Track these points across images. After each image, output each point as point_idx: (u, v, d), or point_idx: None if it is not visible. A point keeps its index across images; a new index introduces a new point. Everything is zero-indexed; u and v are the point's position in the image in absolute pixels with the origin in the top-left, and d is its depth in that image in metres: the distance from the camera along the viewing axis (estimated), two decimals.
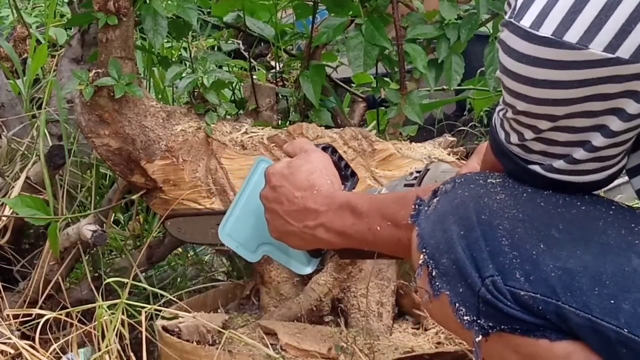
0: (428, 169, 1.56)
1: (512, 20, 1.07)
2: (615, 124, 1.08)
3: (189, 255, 2.47)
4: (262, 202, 1.53)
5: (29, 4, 3.56)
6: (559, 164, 1.14)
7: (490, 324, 1.16)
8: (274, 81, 2.30)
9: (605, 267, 1.11)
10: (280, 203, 1.49)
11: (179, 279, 2.38)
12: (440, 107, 3.32)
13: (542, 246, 1.14)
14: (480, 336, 1.16)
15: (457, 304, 1.18)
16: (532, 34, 1.05)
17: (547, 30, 1.03)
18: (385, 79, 2.22)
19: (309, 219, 1.46)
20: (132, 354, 1.84)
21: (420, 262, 1.22)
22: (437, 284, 1.19)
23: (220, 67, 2.13)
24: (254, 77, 2.11)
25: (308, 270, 1.64)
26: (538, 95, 1.08)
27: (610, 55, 1.01)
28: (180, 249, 2.42)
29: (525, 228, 1.16)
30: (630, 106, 1.06)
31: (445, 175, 1.50)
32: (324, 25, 2.05)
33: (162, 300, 2.02)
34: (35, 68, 2.61)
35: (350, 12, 2.03)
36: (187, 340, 1.85)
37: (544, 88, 1.07)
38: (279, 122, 2.14)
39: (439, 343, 1.85)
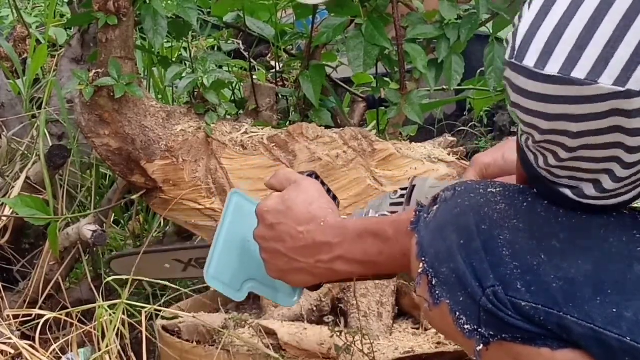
0: (414, 185, 1.52)
1: (513, 61, 1.04)
2: (627, 156, 1.06)
3: None
4: (258, 242, 1.44)
5: (29, 4, 3.56)
6: (590, 191, 1.12)
7: (492, 332, 1.15)
8: (274, 81, 2.29)
9: (607, 275, 1.11)
10: (281, 241, 1.41)
11: (179, 279, 2.38)
12: (440, 107, 3.32)
13: (543, 256, 1.13)
14: (482, 345, 1.16)
15: (457, 313, 1.17)
16: (537, 73, 1.02)
17: (553, 68, 1.00)
18: (385, 79, 2.22)
19: (322, 254, 1.38)
20: (132, 354, 1.84)
21: (419, 270, 1.21)
22: (437, 292, 1.19)
23: (220, 67, 2.13)
24: (254, 77, 2.11)
25: (295, 300, 1.58)
26: (552, 127, 1.06)
27: (620, 89, 0.98)
28: None
29: (526, 238, 1.15)
30: (632, 141, 1.03)
31: (433, 190, 1.46)
32: (324, 25, 2.05)
33: (162, 301, 2.02)
34: (35, 68, 2.61)
35: (350, 12, 2.03)
36: (187, 340, 1.85)
37: (557, 120, 1.05)
38: (279, 122, 2.14)
39: (439, 343, 1.85)
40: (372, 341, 1.81)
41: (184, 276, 2.01)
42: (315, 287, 1.50)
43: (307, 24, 2.28)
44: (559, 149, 1.08)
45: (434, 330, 1.91)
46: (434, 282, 1.19)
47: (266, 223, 1.43)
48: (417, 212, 1.26)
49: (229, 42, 2.52)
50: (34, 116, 2.44)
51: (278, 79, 2.33)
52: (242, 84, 2.28)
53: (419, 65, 2.01)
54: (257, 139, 1.96)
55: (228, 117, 2.04)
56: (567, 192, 1.13)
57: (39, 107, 2.46)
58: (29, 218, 2.08)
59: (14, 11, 2.81)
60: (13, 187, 2.18)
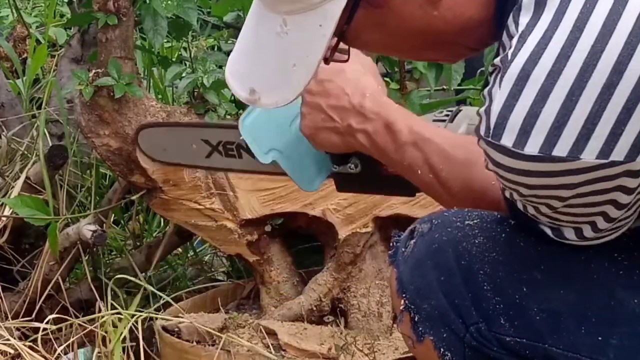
0: (460, 110, 1.54)
1: (490, 139, 1.01)
2: (612, 212, 1.05)
3: (189, 255, 2.47)
4: (303, 95, 1.42)
5: (29, 4, 3.56)
6: (570, 235, 1.10)
7: None
8: None
9: (591, 303, 1.10)
10: (326, 97, 1.41)
11: (179, 279, 2.38)
12: (440, 107, 3.32)
13: (524, 289, 1.13)
14: None
15: (442, 349, 1.17)
16: (516, 153, 1.00)
17: (532, 149, 0.99)
18: (386, 78, 2.22)
19: (354, 120, 1.38)
20: (132, 354, 1.84)
21: (401, 307, 1.20)
22: (421, 329, 1.18)
23: (220, 67, 2.13)
24: None
25: (314, 187, 1.60)
26: (534, 194, 1.04)
27: (604, 161, 0.97)
28: (180, 249, 2.42)
29: (507, 271, 1.14)
30: (622, 198, 1.03)
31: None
32: None
33: (162, 301, 2.02)
34: (35, 68, 2.61)
35: None
36: (187, 340, 1.85)
37: (539, 190, 1.03)
38: None
39: None
40: (372, 341, 1.81)
41: (204, 164, 1.92)
42: (340, 160, 1.51)
43: None
44: (542, 207, 1.06)
45: None
46: (416, 319, 1.18)
47: (317, 78, 1.41)
48: (395, 244, 1.25)
49: (229, 42, 2.52)
50: (33, 116, 2.44)
51: None
52: None
53: (419, 65, 2.01)
54: None
55: (228, 117, 2.04)
56: (548, 231, 1.11)
57: (39, 107, 2.46)
58: (29, 218, 2.08)
59: (14, 11, 2.81)
60: (13, 187, 2.18)
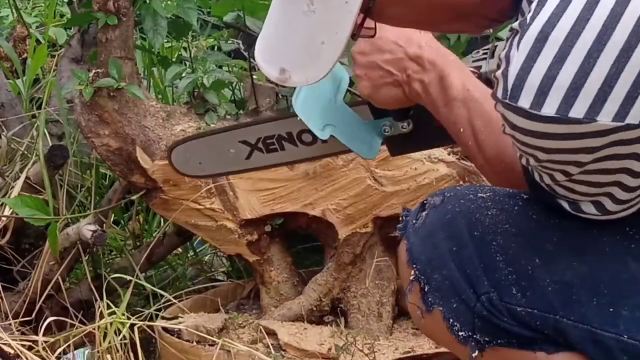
0: (496, 45, 1.56)
1: (507, 101, 1.03)
2: (630, 180, 1.06)
3: (189, 255, 2.47)
4: (355, 58, 1.47)
5: (29, 4, 3.56)
6: (589, 209, 1.11)
7: (487, 338, 1.16)
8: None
9: (603, 275, 1.11)
10: (380, 53, 1.44)
11: (179, 279, 2.38)
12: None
13: (537, 261, 1.14)
14: (477, 351, 1.16)
15: (451, 320, 1.17)
16: (534, 114, 1.01)
17: (549, 110, 1.00)
18: None
19: (411, 70, 1.40)
20: (132, 354, 1.84)
21: (411, 277, 1.21)
22: (430, 299, 1.19)
23: (220, 67, 2.13)
24: (254, 77, 2.11)
25: (374, 154, 1.64)
26: (550, 159, 1.05)
27: (620, 124, 0.98)
28: (180, 249, 2.42)
29: (519, 243, 1.15)
30: (636, 165, 1.04)
31: None
32: None
33: (162, 301, 2.02)
34: (35, 68, 2.60)
35: None
36: (187, 340, 1.85)
37: (556, 154, 1.04)
38: None
39: None
40: (372, 341, 1.81)
41: (246, 167, 1.91)
42: (400, 115, 1.54)
43: None
44: (558, 173, 1.07)
45: None
46: (426, 289, 1.19)
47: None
48: (404, 218, 1.26)
49: (229, 42, 2.52)
50: (33, 116, 2.44)
51: None
52: (242, 84, 2.27)
53: None
54: None
55: (228, 117, 2.04)
56: (565, 205, 1.12)
57: (39, 107, 2.46)
58: (29, 218, 2.08)
59: (14, 11, 2.80)
60: (13, 187, 2.18)
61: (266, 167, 1.85)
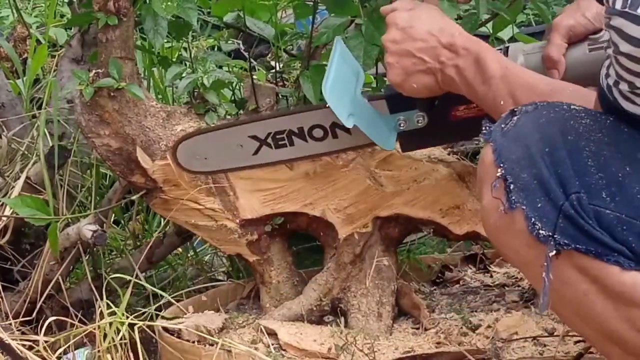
0: (507, 47, 1.62)
1: (627, 10, 1.05)
2: None
3: (189, 255, 2.47)
4: (386, 47, 1.54)
5: (29, 4, 3.56)
6: None
7: (566, 241, 1.17)
8: (274, 81, 2.29)
9: None
10: (412, 41, 1.50)
11: (179, 279, 2.38)
12: None
13: (627, 169, 1.16)
14: (554, 251, 1.17)
15: (533, 219, 1.19)
16: None
17: None
18: (386, 78, 2.21)
19: (445, 57, 1.47)
20: (132, 354, 1.84)
21: (498, 174, 1.22)
22: (514, 198, 1.20)
23: (220, 67, 2.13)
24: (254, 77, 2.11)
25: (391, 146, 1.70)
26: None
27: None
28: (180, 249, 2.42)
29: (611, 151, 1.18)
30: None
31: (530, 56, 1.58)
32: (324, 25, 2.05)
33: (162, 301, 2.02)
34: (35, 68, 2.60)
35: (350, 12, 2.03)
36: (187, 340, 1.85)
37: None
38: None
39: (439, 343, 1.85)
40: (372, 341, 1.81)
41: (253, 163, 1.91)
42: (427, 105, 1.61)
43: (307, 24, 2.28)
44: None
45: (434, 330, 1.91)
46: (511, 187, 1.21)
47: (398, 27, 1.52)
48: (487, 128, 1.28)
49: (229, 42, 2.52)
50: (34, 116, 2.44)
51: (278, 79, 2.33)
52: (242, 84, 2.27)
53: None
54: None
55: (228, 117, 2.04)
56: None
57: (39, 107, 2.46)
58: (29, 218, 2.08)
59: (14, 11, 2.80)
60: (13, 187, 2.18)
61: (273, 163, 1.85)
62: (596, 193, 1.16)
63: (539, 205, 1.18)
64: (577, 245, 1.17)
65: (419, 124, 1.68)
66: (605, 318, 1.18)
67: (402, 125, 1.70)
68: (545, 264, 1.17)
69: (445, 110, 1.66)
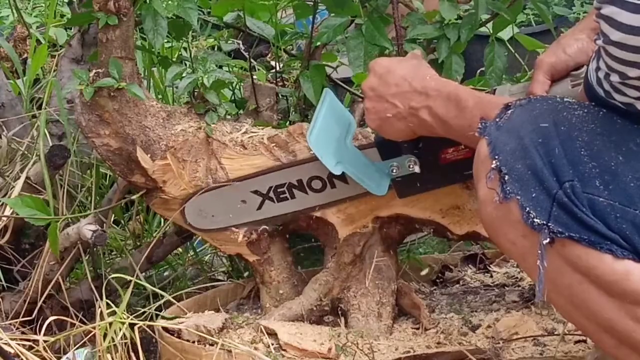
0: (495, 89, 1.66)
1: None
2: None
3: (189, 255, 2.47)
4: (364, 92, 1.58)
5: (29, 4, 3.56)
6: None
7: (560, 229, 1.18)
8: (274, 81, 2.30)
9: None
10: (387, 86, 1.54)
11: (179, 279, 2.38)
12: None
13: (620, 158, 1.18)
14: (548, 239, 1.18)
15: (527, 208, 1.20)
16: None
17: None
18: None
19: (415, 101, 1.50)
20: (132, 354, 1.84)
21: (492, 166, 1.24)
22: (509, 188, 1.22)
23: (220, 67, 2.13)
24: (254, 77, 2.11)
25: (382, 191, 1.72)
26: None
27: None
28: (180, 249, 2.42)
29: (604, 141, 1.19)
30: None
31: (515, 96, 1.57)
32: (324, 25, 2.05)
33: (162, 300, 2.02)
34: (35, 68, 2.61)
35: (350, 12, 2.03)
36: (187, 340, 1.85)
37: None
38: (279, 122, 2.14)
39: (439, 343, 1.85)
40: (372, 341, 1.81)
41: (256, 218, 1.94)
42: (410, 147, 1.64)
43: (307, 24, 2.28)
44: None
45: (434, 331, 1.91)
46: (506, 179, 1.23)
47: (376, 74, 1.58)
48: (482, 125, 1.30)
49: (229, 42, 2.52)
50: (34, 116, 2.44)
51: (278, 79, 2.33)
52: (242, 84, 2.27)
53: None
54: (258, 139, 1.96)
55: (228, 117, 2.04)
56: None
57: (39, 107, 2.46)
58: (29, 218, 2.08)
59: (14, 11, 2.81)
60: (13, 187, 2.18)
61: (277, 217, 1.89)
62: (590, 181, 1.18)
63: (534, 194, 1.20)
64: (571, 234, 1.18)
65: (411, 169, 1.70)
66: (599, 307, 1.19)
67: (394, 171, 1.71)
68: (540, 252, 1.19)
69: (434, 154, 1.68)
